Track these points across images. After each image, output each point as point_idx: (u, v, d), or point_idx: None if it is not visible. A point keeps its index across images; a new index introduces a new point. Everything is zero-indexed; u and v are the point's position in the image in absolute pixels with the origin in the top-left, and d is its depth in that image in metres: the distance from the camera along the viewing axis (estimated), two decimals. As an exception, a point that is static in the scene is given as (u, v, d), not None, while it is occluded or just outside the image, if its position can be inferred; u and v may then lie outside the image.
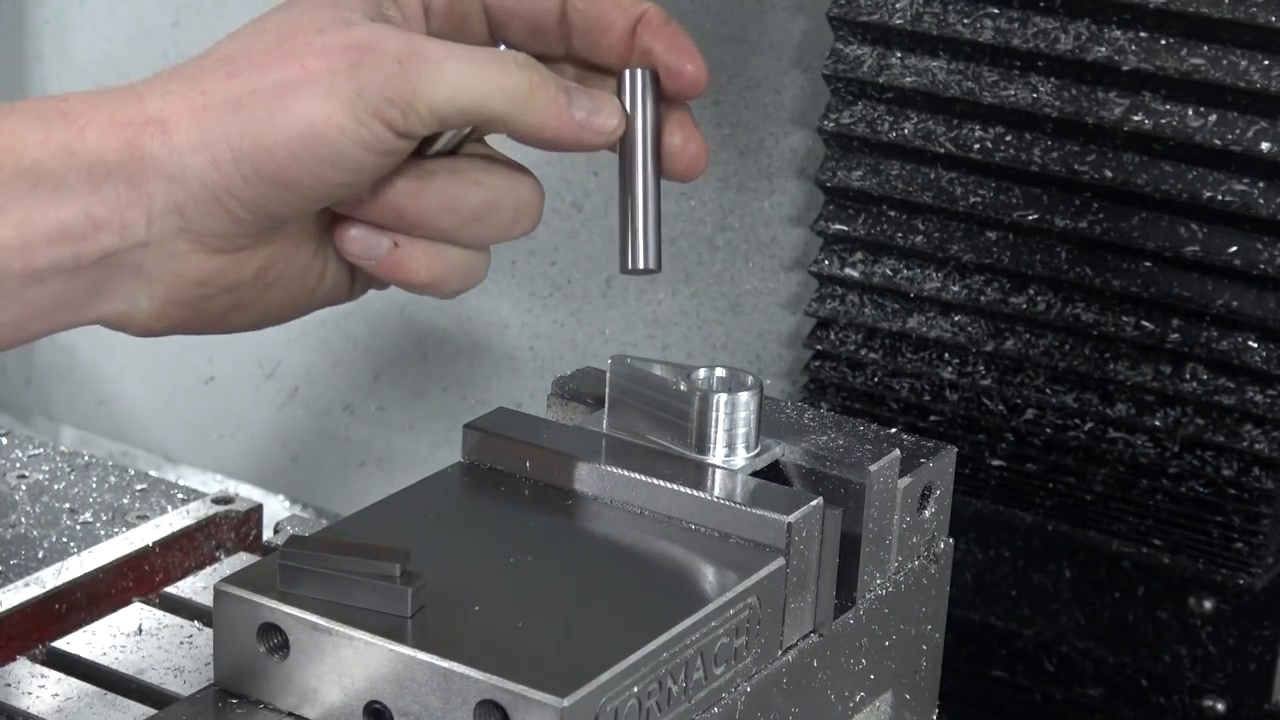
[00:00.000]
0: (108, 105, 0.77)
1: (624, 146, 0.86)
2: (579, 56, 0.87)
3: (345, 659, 0.78)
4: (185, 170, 0.77)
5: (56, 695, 0.93)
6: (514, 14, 0.85)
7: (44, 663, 0.97)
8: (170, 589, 1.05)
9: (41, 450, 1.20)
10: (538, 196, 0.85)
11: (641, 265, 0.86)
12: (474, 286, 0.85)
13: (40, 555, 1.08)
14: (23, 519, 1.12)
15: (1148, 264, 1.22)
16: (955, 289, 1.27)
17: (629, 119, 0.85)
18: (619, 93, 0.86)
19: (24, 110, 0.77)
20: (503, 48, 0.86)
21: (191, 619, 1.00)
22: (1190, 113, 1.18)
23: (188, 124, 0.77)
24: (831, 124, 1.29)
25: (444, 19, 0.84)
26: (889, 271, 1.30)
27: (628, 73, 0.85)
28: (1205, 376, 1.22)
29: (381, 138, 0.78)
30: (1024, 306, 1.25)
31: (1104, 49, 1.19)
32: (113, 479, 1.17)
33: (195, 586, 1.05)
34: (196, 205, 0.77)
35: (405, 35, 0.79)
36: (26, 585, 1.02)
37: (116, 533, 1.09)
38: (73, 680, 0.95)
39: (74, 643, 0.98)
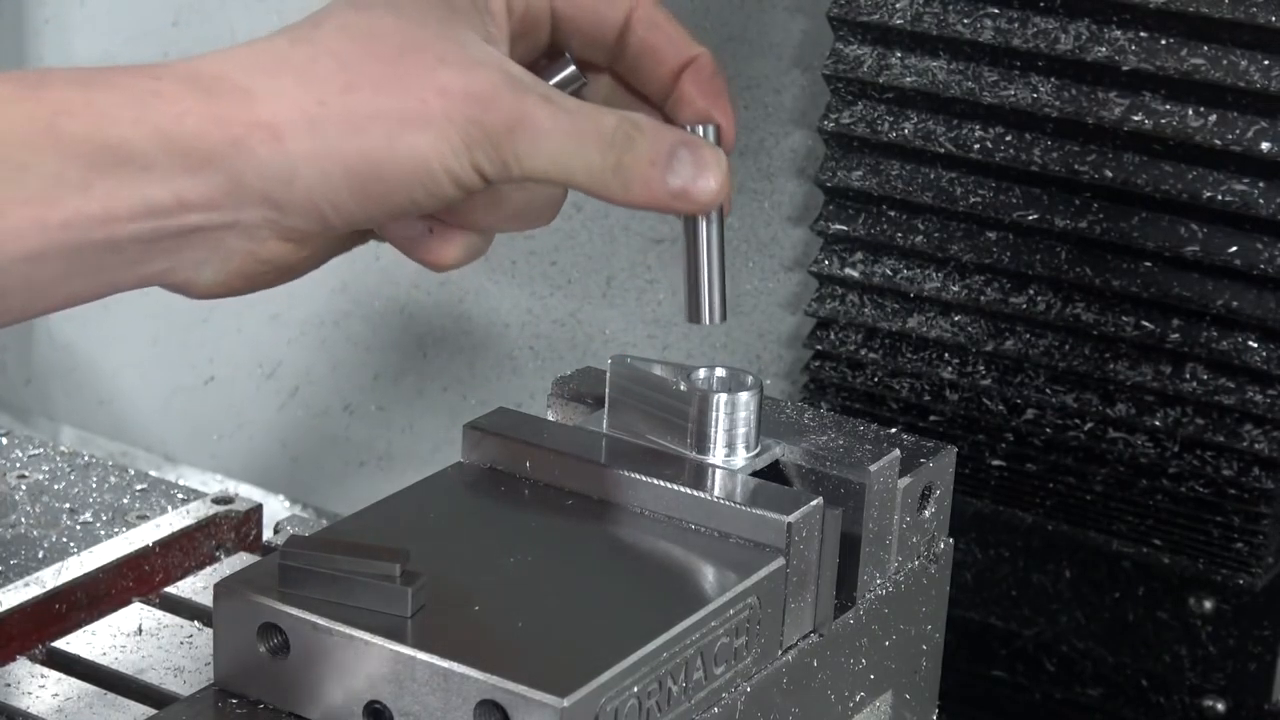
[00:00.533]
0: (208, 98, 0.76)
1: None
2: (621, 75, 0.89)
3: (345, 659, 0.78)
4: (294, 175, 0.77)
5: (56, 695, 0.94)
6: (578, 28, 0.87)
7: (44, 663, 0.97)
8: (170, 589, 1.05)
9: (41, 450, 1.20)
10: (563, 192, 0.87)
11: (708, 320, 0.87)
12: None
13: (40, 555, 1.08)
14: (23, 519, 1.12)
15: (1148, 264, 1.22)
16: (955, 289, 1.27)
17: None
18: None
19: (111, 83, 0.75)
20: (595, 102, 0.86)
21: (191, 619, 1.00)
22: (1190, 113, 1.18)
23: (303, 133, 0.77)
24: (831, 124, 1.29)
25: (519, 25, 0.85)
26: (889, 271, 1.30)
27: (700, 129, 0.85)
28: (1205, 376, 1.22)
29: (473, 181, 0.80)
30: (1024, 306, 1.25)
31: (1104, 49, 1.19)
32: (113, 479, 1.17)
33: (195, 586, 1.05)
34: (295, 207, 0.78)
35: (517, 93, 0.79)
36: (26, 585, 1.02)
37: (116, 533, 1.09)
38: (73, 680, 0.95)
39: (74, 643, 0.98)
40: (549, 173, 0.80)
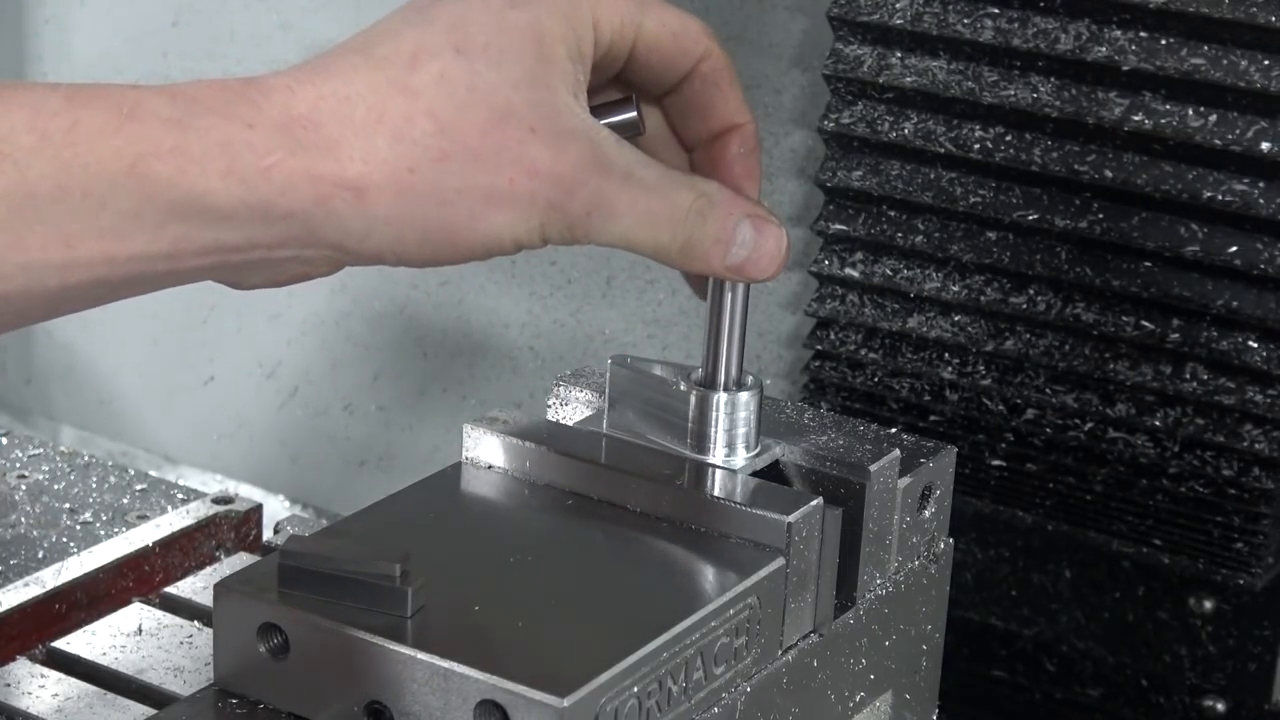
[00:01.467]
0: (301, 151, 0.74)
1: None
2: (664, 111, 0.89)
3: (345, 659, 0.78)
4: (370, 233, 0.77)
5: (56, 695, 0.94)
6: (649, 67, 0.86)
7: (44, 663, 0.97)
8: (170, 589, 1.05)
9: (41, 450, 1.20)
10: None
11: (723, 387, 0.89)
12: None
13: (40, 555, 1.08)
14: (23, 519, 1.12)
15: (1148, 264, 1.22)
16: (955, 289, 1.27)
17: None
18: None
19: (205, 128, 0.73)
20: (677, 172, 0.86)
21: (191, 619, 1.00)
22: (1190, 113, 1.18)
23: (388, 199, 0.76)
24: (831, 124, 1.29)
25: (600, 59, 0.84)
26: (889, 271, 1.30)
27: None
28: (1205, 376, 1.22)
29: (537, 246, 0.81)
30: (1024, 306, 1.25)
31: (1104, 49, 1.19)
32: (113, 479, 1.17)
33: (195, 586, 1.05)
34: (362, 255, 0.78)
35: (601, 175, 0.79)
36: (26, 585, 1.02)
37: (116, 533, 1.09)
38: (73, 680, 0.95)
39: (74, 643, 0.98)
40: (616, 245, 0.82)
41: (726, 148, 0.88)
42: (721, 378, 0.89)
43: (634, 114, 0.85)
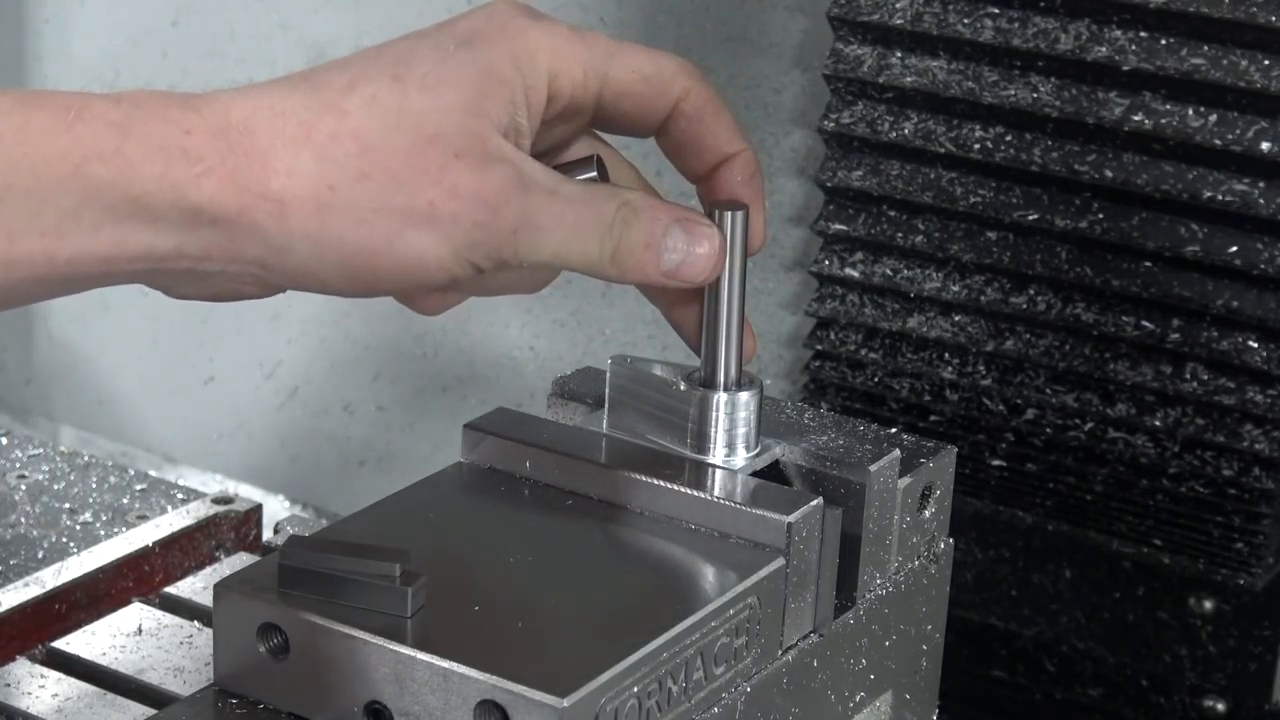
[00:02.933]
0: (232, 158, 0.76)
1: (717, 280, 0.87)
2: (665, 152, 0.89)
3: (345, 659, 0.78)
4: (289, 249, 0.78)
5: (56, 695, 0.94)
6: (623, 114, 0.86)
7: (44, 663, 0.97)
8: (170, 589, 1.05)
9: (41, 450, 1.20)
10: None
11: (723, 387, 0.89)
12: None
13: (40, 555, 1.08)
14: (23, 519, 1.12)
15: (1148, 264, 1.22)
16: (955, 289, 1.27)
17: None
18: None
19: (145, 132, 0.76)
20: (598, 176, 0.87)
21: (191, 619, 1.00)
22: (1190, 113, 1.18)
23: (307, 214, 0.77)
24: (831, 124, 1.29)
25: (560, 113, 0.85)
26: (889, 271, 1.30)
27: (729, 216, 0.86)
28: (1205, 376, 1.22)
29: (467, 274, 0.81)
30: (1024, 306, 1.25)
31: (1104, 49, 1.19)
32: (113, 479, 1.17)
33: (195, 586, 1.05)
34: (284, 273, 0.79)
35: (525, 193, 0.80)
36: (26, 585, 1.02)
37: (116, 533, 1.09)
38: (73, 680, 0.95)
39: (74, 643, 0.98)
40: (548, 263, 0.82)
41: (727, 177, 0.88)
42: (720, 377, 0.89)
43: (593, 174, 0.85)
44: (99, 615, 1.01)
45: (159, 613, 1.01)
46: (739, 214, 0.86)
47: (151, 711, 0.91)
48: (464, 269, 0.80)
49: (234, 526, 1.11)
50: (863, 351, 1.32)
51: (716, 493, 0.87)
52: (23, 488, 1.16)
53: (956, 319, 1.28)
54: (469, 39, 0.81)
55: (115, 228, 0.76)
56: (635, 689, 0.77)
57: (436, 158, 0.78)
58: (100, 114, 0.75)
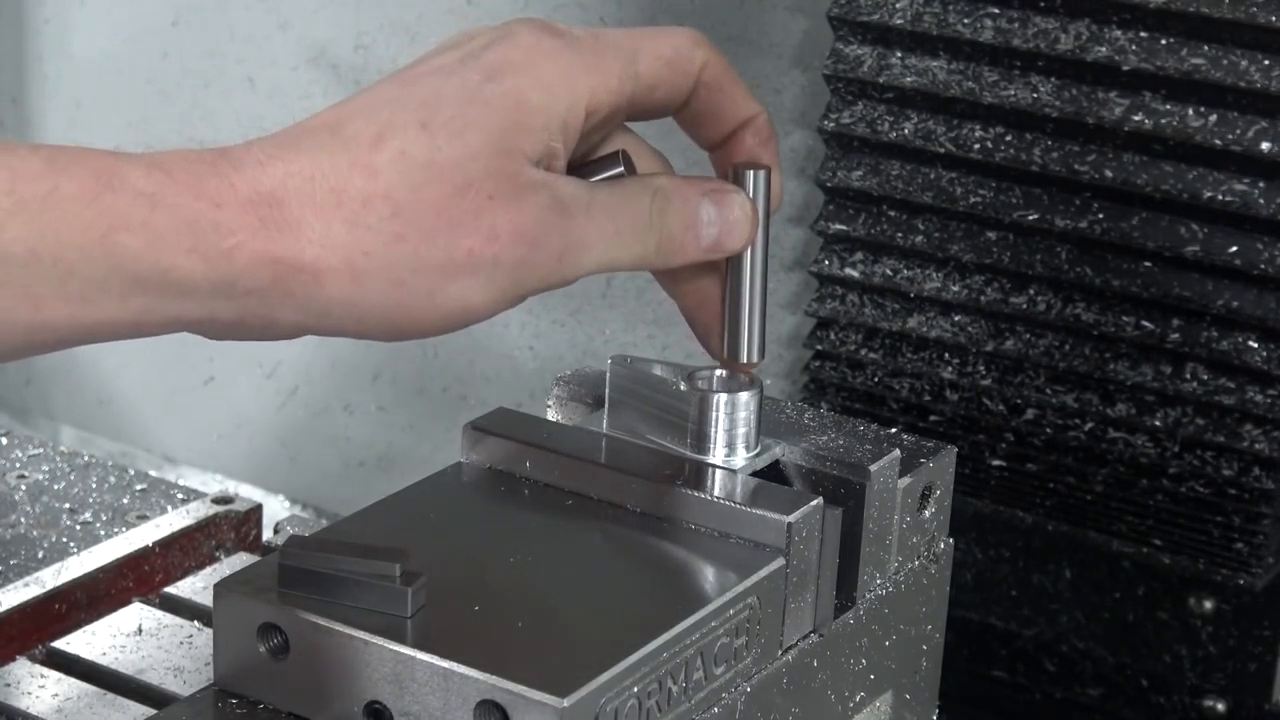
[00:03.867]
0: (264, 231, 0.75)
1: None
2: (683, 124, 0.89)
3: (345, 659, 0.78)
4: (327, 313, 0.78)
5: (56, 695, 0.93)
6: (651, 106, 0.86)
7: (44, 663, 0.97)
8: (170, 589, 1.05)
9: (41, 450, 1.20)
10: None
11: (747, 359, 0.89)
12: None
13: (40, 555, 1.08)
14: (23, 519, 1.12)
15: (1148, 264, 1.22)
16: (955, 289, 1.27)
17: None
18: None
19: (176, 206, 0.75)
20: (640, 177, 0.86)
21: (191, 619, 1.00)
22: (1190, 113, 1.18)
23: (344, 283, 0.77)
24: (831, 124, 1.29)
25: (596, 125, 0.84)
26: (889, 271, 1.30)
27: (750, 173, 0.86)
28: (1205, 376, 1.22)
29: (513, 305, 0.81)
30: (1024, 306, 1.25)
31: (1104, 49, 1.19)
32: (113, 479, 1.17)
33: (195, 586, 1.05)
34: (323, 330, 0.79)
35: (564, 218, 0.80)
36: (26, 585, 1.02)
37: (116, 533, 1.09)
38: (72, 680, 0.95)
39: (74, 643, 0.98)
40: (596, 273, 0.83)
41: (742, 142, 0.88)
42: (744, 346, 0.88)
43: (620, 169, 0.85)
44: (99, 615, 1.01)
45: (159, 613, 1.01)
46: (761, 174, 0.86)
47: (151, 711, 0.91)
48: (511, 303, 0.80)
49: (234, 526, 1.11)
50: (863, 351, 1.32)
51: (716, 493, 0.87)
52: (23, 488, 1.16)
53: (956, 319, 1.28)
54: (496, 72, 0.80)
55: (144, 297, 0.75)
56: (635, 689, 0.77)
57: (470, 205, 0.78)
58: (131, 183, 0.74)
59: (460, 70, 0.80)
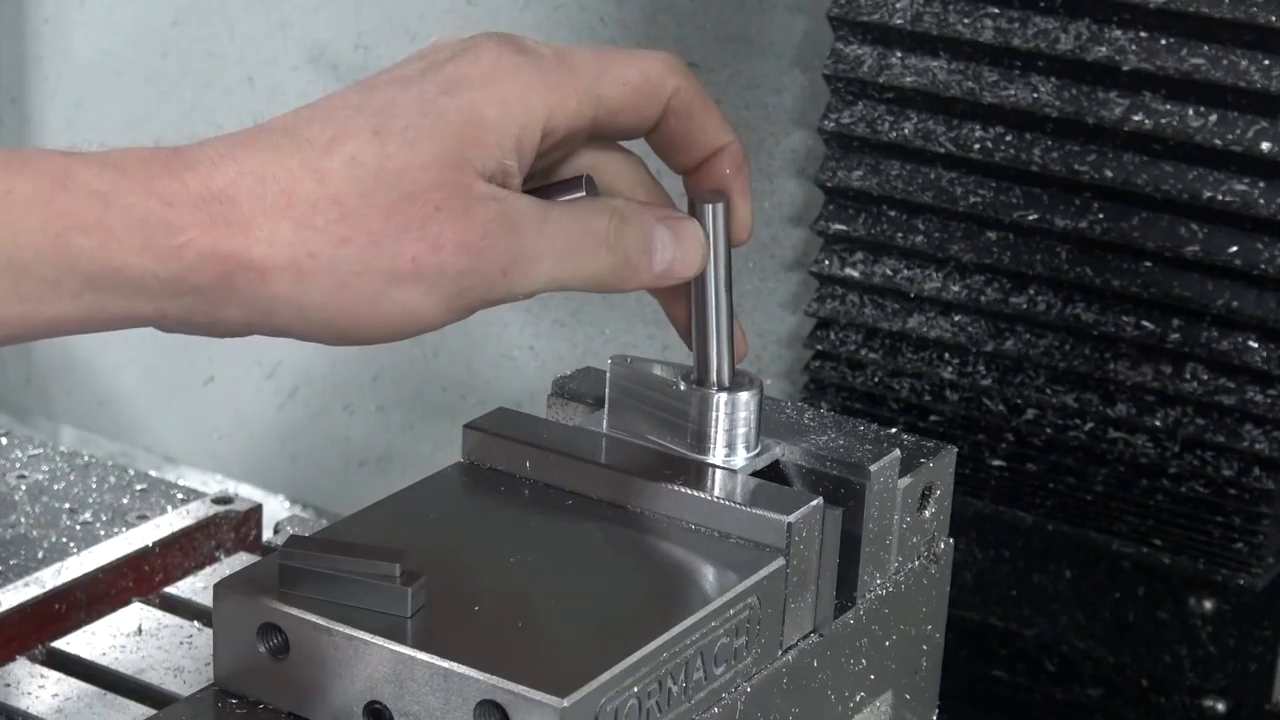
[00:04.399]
0: (214, 229, 0.76)
1: (701, 274, 0.88)
2: (654, 149, 0.89)
3: (345, 659, 0.78)
4: (273, 312, 0.78)
5: (56, 695, 0.94)
6: (617, 128, 0.86)
7: (44, 663, 0.97)
8: (170, 589, 1.05)
9: (41, 450, 1.20)
10: None
11: (715, 382, 0.90)
12: None
13: (40, 555, 1.08)
14: (23, 519, 1.12)
15: (1148, 264, 1.22)
16: (955, 289, 1.27)
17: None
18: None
19: (128, 205, 0.75)
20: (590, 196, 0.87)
21: (191, 619, 1.00)
22: (1190, 113, 1.18)
23: (288, 281, 0.77)
24: (831, 124, 1.29)
25: (555, 145, 0.85)
26: (889, 271, 1.30)
27: (709, 208, 0.87)
28: (1205, 376, 1.22)
29: (461, 318, 0.81)
30: (1024, 306, 1.25)
31: (1104, 49, 1.19)
32: (113, 479, 1.17)
33: (195, 586, 1.05)
34: (270, 330, 0.79)
35: (512, 231, 0.80)
36: (26, 585, 1.02)
37: (116, 533, 1.09)
38: (72, 680, 0.95)
39: (74, 643, 0.98)
40: (548, 289, 0.82)
41: (715, 170, 0.88)
42: (713, 374, 0.89)
43: (582, 194, 0.85)
44: (99, 615, 1.01)
45: (159, 613, 1.01)
46: (719, 205, 0.87)
47: (151, 711, 0.91)
48: (458, 315, 0.80)
49: (234, 526, 1.11)
50: (863, 351, 1.32)
51: (716, 493, 0.87)
52: (23, 488, 1.16)
53: (956, 319, 1.28)
54: (453, 85, 0.80)
55: (95, 295, 0.76)
56: (635, 689, 0.77)
57: (417, 214, 0.78)
58: (84, 182, 0.75)
59: (419, 81, 0.81)
